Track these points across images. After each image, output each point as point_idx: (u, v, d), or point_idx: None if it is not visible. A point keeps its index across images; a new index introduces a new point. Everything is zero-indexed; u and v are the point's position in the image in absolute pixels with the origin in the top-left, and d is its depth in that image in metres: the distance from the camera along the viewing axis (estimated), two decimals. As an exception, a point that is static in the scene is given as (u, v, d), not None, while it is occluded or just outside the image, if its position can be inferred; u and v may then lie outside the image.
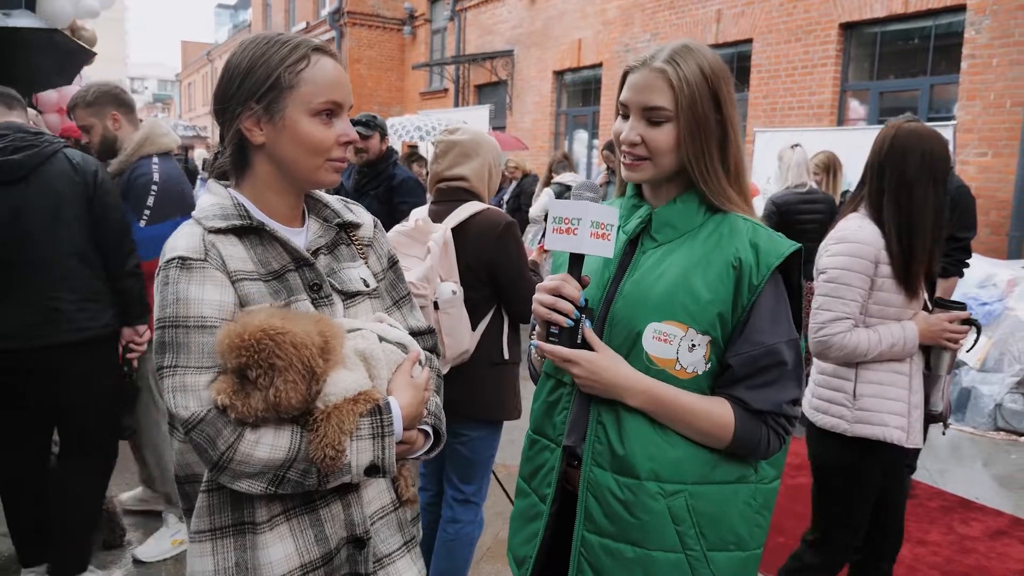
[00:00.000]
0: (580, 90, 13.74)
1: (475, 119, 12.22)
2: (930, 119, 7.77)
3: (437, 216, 2.56)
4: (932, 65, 8.07)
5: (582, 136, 13.71)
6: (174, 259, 1.24)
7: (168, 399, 1.19)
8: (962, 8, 7.51)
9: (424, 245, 2.46)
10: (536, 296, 1.40)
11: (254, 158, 1.35)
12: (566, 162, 7.93)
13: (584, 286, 1.40)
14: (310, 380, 1.17)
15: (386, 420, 1.27)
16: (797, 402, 1.42)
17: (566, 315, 1.36)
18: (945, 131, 6.72)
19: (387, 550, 1.38)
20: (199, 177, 10.90)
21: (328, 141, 1.31)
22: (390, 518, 1.40)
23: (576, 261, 1.39)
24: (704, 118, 1.37)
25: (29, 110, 2.86)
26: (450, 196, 2.59)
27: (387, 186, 4.46)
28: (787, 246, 1.38)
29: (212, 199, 1.33)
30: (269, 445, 1.18)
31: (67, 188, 2.64)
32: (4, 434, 2.79)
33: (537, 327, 1.46)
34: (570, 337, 1.38)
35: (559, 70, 13.78)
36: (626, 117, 1.43)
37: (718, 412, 1.38)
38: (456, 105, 16.38)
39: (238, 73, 1.30)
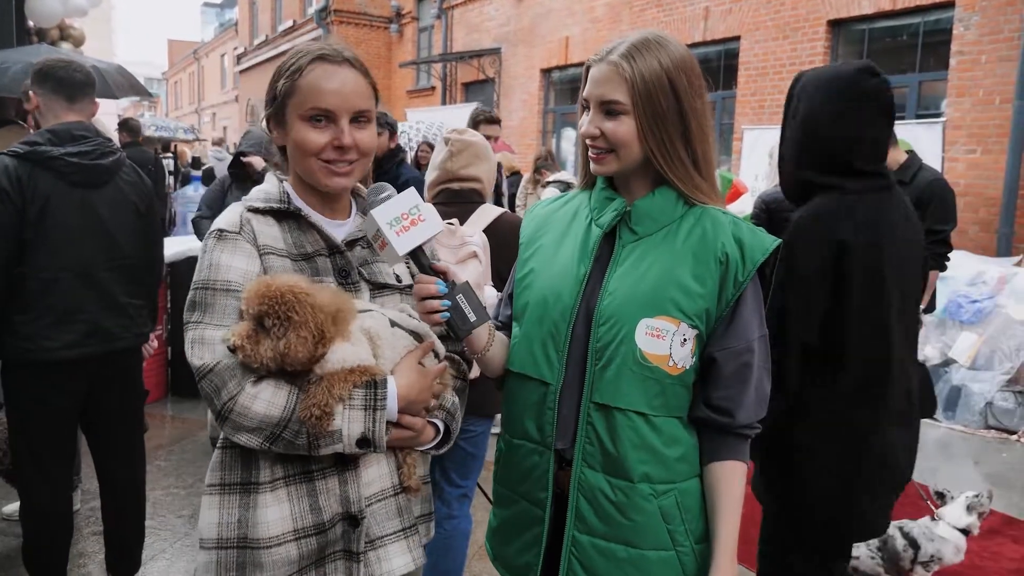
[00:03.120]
0: (568, 88, 13.68)
1: (463, 118, 12.09)
2: (919, 116, 7.72)
3: (446, 217, 2.48)
4: (921, 62, 8.03)
5: (570, 134, 13.65)
6: (214, 231, 1.38)
7: (187, 349, 1.32)
8: (951, 5, 7.47)
9: (449, 249, 2.39)
10: (418, 315, 1.43)
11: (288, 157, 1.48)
12: (551, 159, 7.82)
13: (436, 271, 1.40)
14: (318, 341, 1.26)
15: (380, 394, 1.32)
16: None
17: (440, 311, 1.38)
18: (934, 128, 6.66)
19: (380, 532, 1.42)
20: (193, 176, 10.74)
21: (315, 144, 1.38)
22: (389, 502, 1.43)
23: (416, 255, 1.39)
24: (662, 110, 1.36)
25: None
26: (464, 198, 2.56)
27: (395, 187, 4.38)
28: (770, 241, 1.39)
29: (265, 187, 1.47)
30: (266, 401, 1.27)
31: (136, 196, 2.72)
32: (107, 441, 2.85)
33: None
34: (461, 321, 1.38)
35: (547, 68, 13.72)
36: (589, 111, 1.43)
37: (740, 476, 1.43)
38: (443, 103, 16.27)
39: (270, 81, 1.45)
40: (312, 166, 1.40)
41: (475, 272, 2.37)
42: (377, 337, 1.36)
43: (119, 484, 2.89)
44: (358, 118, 1.41)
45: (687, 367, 1.39)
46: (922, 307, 4.05)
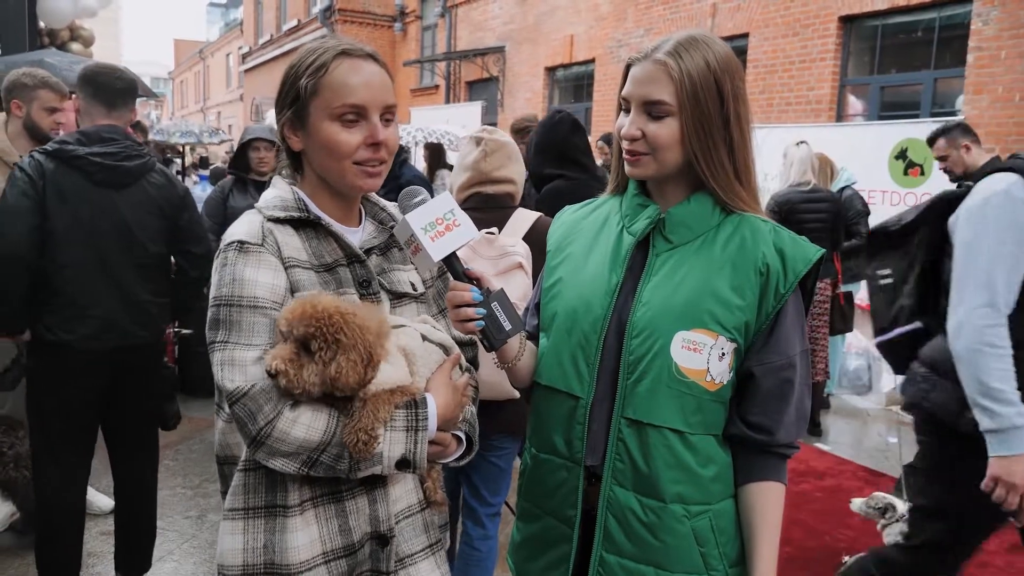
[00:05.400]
0: (572, 86, 13.61)
1: (467, 116, 12.04)
2: (934, 114, 7.61)
3: (480, 224, 2.36)
4: (936, 58, 7.91)
5: (575, 133, 13.51)
6: (233, 243, 1.30)
7: (216, 371, 1.25)
8: None
9: (489, 260, 2.26)
10: (451, 322, 1.40)
11: (303, 163, 1.41)
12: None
13: (470, 277, 1.35)
14: (367, 364, 1.21)
15: (421, 415, 1.29)
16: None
17: (474, 319, 1.34)
18: (950, 126, 6.53)
19: (410, 550, 1.39)
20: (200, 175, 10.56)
21: (348, 144, 1.31)
22: (416, 518, 1.41)
23: (450, 261, 1.35)
24: (708, 113, 1.30)
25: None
26: (497, 202, 2.42)
27: (395, 185, 4.32)
28: (813, 252, 1.34)
29: (275, 192, 1.40)
30: (306, 426, 1.22)
31: (163, 199, 2.80)
32: (121, 437, 2.91)
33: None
34: (496, 330, 1.34)
35: (551, 66, 13.65)
36: (628, 112, 1.37)
37: (779, 497, 1.38)
38: (447, 102, 16.22)
39: (281, 83, 1.38)
40: (345, 168, 1.33)
41: (522, 285, 2.21)
42: (412, 354, 1.32)
43: (133, 483, 2.92)
44: (385, 114, 1.36)
45: (724, 382, 1.33)
46: None
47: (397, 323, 1.35)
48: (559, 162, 2.97)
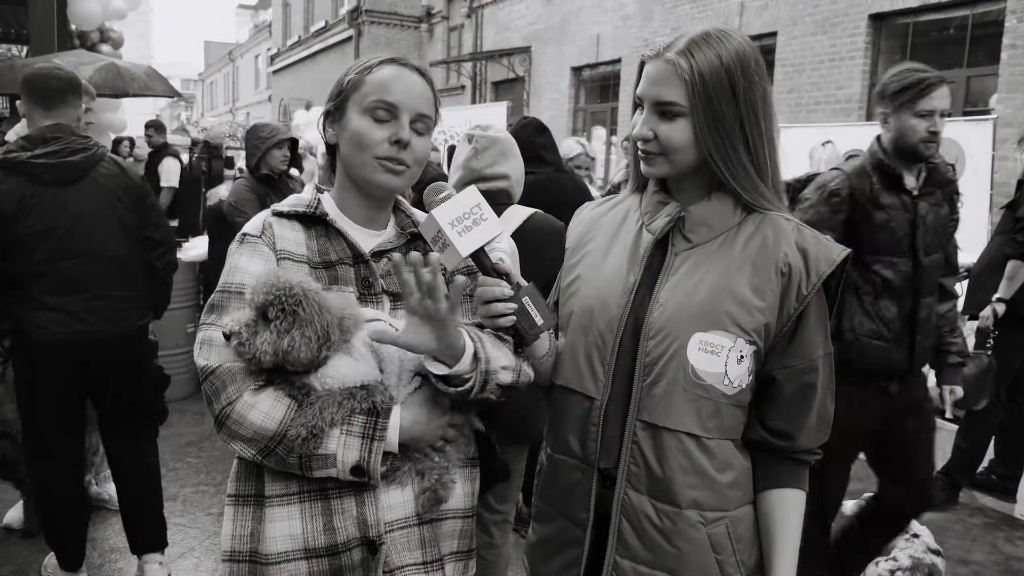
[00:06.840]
0: (598, 86, 13.60)
1: (492, 116, 12.06)
2: (966, 113, 7.46)
3: None
4: (969, 56, 7.78)
5: (600, 133, 13.48)
6: (239, 235, 1.39)
7: (195, 349, 1.31)
8: (1001, -4, 7.21)
9: None
10: (480, 319, 1.36)
11: (337, 161, 1.45)
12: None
13: (499, 272, 1.31)
14: (322, 344, 1.21)
15: (380, 424, 1.26)
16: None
17: (506, 314, 1.30)
18: (983, 126, 6.41)
19: (400, 562, 1.33)
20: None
21: (373, 137, 1.34)
22: (412, 531, 1.36)
23: (478, 256, 1.31)
24: (722, 113, 1.26)
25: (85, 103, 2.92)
26: (491, 200, 2.33)
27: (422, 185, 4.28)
28: (837, 251, 1.30)
29: (300, 194, 1.47)
30: (263, 413, 1.23)
31: (119, 190, 2.79)
32: (108, 428, 3.00)
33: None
34: (528, 325, 1.30)
35: (577, 66, 13.65)
36: (644, 110, 1.34)
37: (799, 505, 1.35)
38: (473, 102, 16.27)
39: (334, 85, 1.44)
40: (366, 162, 1.36)
41: None
42: (379, 350, 1.30)
43: (125, 467, 3.00)
44: (417, 122, 1.38)
45: (743, 386, 1.30)
46: (1003, 296, 3.93)
47: (372, 317, 1.33)
48: (527, 160, 3.02)
